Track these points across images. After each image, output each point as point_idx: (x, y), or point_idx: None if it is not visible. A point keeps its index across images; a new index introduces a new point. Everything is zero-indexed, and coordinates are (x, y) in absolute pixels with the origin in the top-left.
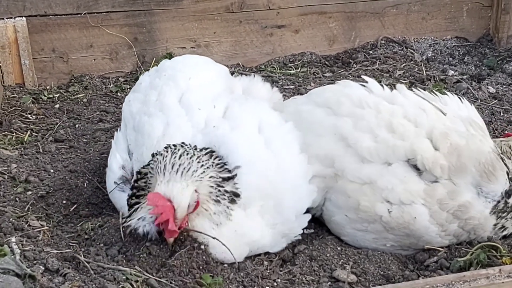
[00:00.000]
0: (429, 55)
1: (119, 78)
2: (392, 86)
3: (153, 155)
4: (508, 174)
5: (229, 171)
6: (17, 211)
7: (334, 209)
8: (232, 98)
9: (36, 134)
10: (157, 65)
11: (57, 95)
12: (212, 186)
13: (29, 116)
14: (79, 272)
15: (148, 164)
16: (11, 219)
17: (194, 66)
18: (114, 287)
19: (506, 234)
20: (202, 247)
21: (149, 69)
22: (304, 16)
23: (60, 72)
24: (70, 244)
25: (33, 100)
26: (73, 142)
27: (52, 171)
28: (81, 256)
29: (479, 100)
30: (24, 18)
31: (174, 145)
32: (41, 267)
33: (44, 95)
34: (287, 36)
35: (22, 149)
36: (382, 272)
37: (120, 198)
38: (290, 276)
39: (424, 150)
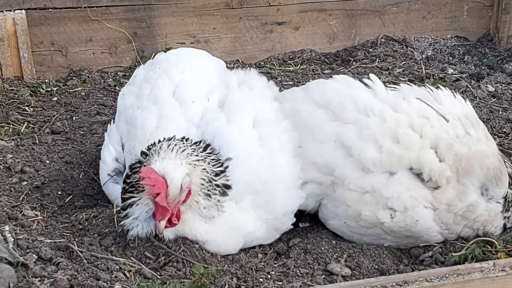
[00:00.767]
0: (429, 54)
1: (118, 73)
2: (395, 85)
3: (148, 148)
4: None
5: (222, 165)
6: (11, 201)
7: (331, 215)
8: (233, 89)
9: (33, 126)
10: None
11: (55, 88)
12: (203, 179)
13: (26, 108)
14: (72, 261)
15: (140, 162)
16: (5, 208)
17: (189, 59)
18: (107, 276)
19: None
20: (197, 245)
21: None
22: (304, 13)
23: (58, 65)
24: (64, 234)
25: (31, 92)
26: (69, 134)
27: (47, 162)
28: (74, 245)
29: (477, 99)
30: (23, 11)
31: (170, 139)
32: (34, 255)
33: (42, 88)
34: (287, 33)
35: (18, 140)
36: (376, 266)
37: (113, 190)
38: (284, 268)
39: (431, 163)
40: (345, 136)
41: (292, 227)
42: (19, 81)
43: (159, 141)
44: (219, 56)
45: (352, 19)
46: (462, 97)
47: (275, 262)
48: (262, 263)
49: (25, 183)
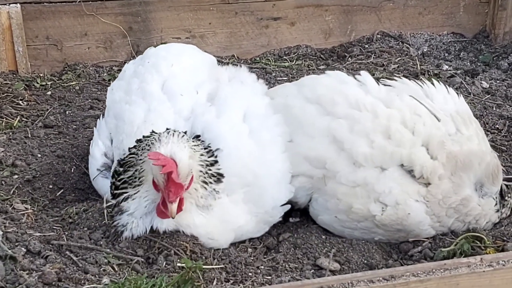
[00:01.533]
0: (425, 50)
1: (113, 67)
2: (389, 80)
3: (137, 141)
4: None
5: (213, 155)
6: (2, 194)
7: (321, 209)
8: (224, 83)
9: (26, 119)
10: None
11: (50, 82)
12: (202, 165)
13: (20, 102)
14: (61, 255)
15: (131, 153)
16: None
17: (178, 54)
18: (95, 269)
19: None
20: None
21: None
22: (300, 8)
23: (53, 60)
24: (54, 227)
25: (26, 86)
26: (62, 128)
27: (39, 156)
28: (64, 239)
29: (472, 95)
30: (18, 5)
31: (167, 129)
32: (23, 249)
33: (37, 82)
34: (282, 28)
35: (10, 133)
36: (365, 261)
37: (103, 184)
38: (273, 263)
39: (423, 160)
40: (337, 131)
41: (281, 219)
42: (14, 75)
43: (151, 134)
44: (214, 51)
45: (348, 14)
46: (456, 92)
47: (265, 256)
48: (252, 258)
49: (16, 176)
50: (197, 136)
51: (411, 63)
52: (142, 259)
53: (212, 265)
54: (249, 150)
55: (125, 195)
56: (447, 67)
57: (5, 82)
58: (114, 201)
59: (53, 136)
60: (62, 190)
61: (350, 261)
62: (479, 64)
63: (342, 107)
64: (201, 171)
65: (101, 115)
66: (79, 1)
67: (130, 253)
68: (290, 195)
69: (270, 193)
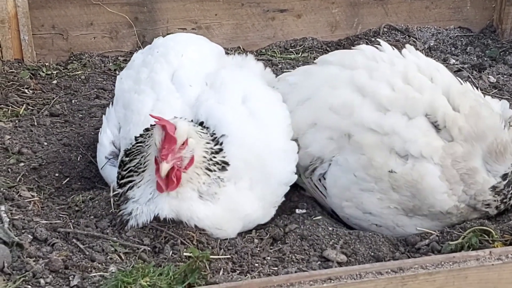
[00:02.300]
0: (431, 44)
1: (119, 57)
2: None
3: (144, 130)
4: None
5: (218, 143)
6: (8, 182)
7: (340, 173)
8: (222, 66)
9: (32, 108)
10: None
11: (55, 71)
12: (206, 152)
13: (26, 90)
14: (68, 242)
15: (138, 142)
16: (1, 189)
17: (187, 44)
18: (102, 257)
19: (489, 212)
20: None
21: None
22: (307, 0)
23: (59, 49)
24: (60, 215)
25: (31, 75)
26: (68, 117)
27: (45, 144)
28: (70, 226)
29: (479, 89)
30: None
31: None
32: (30, 236)
33: (43, 71)
34: (289, 20)
35: (16, 121)
36: (372, 253)
37: (110, 173)
38: (280, 254)
39: (444, 108)
40: (359, 79)
41: (284, 199)
42: (19, 64)
43: None
44: (220, 43)
45: (355, 7)
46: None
47: (271, 247)
48: (258, 248)
49: (22, 164)
50: (201, 123)
51: None
52: (149, 248)
53: (218, 255)
54: (252, 132)
55: (130, 184)
56: (454, 61)
57: (11, 70)
58: (120, 190)
59: (59, 124)
60: (68, 179)
61: (357, 253)
62: (485, 59)
63: (361, 61)
64: (204, 157)
65: (110, 103)
66: None
67: (136, 242)
68: (294, 177)
69: (275, 171)
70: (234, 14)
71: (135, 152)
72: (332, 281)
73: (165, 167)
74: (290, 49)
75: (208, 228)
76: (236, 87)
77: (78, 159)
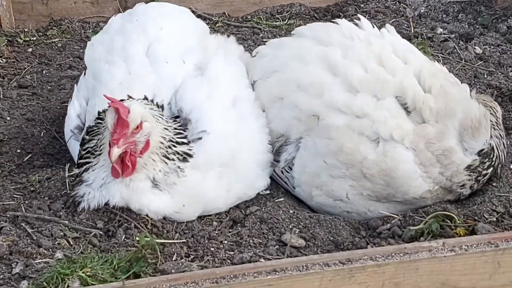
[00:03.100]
0: (422, 11)
1: (100, 24)
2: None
3: (99, 113)
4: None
5: (187, 140)
6: None
7: (310, 158)
8: (212, 55)
9: (1, 79)
10: None
11: (34, 38)
12: (164, 138)
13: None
14: (16, 226)
15: (99, 120)
16: None
17: (169, 16)
18: (49, 243)
19: (463, 193)
20: None
21: None
22: None
23: (39, 14)
24: (15, 195)
25: (8, 42)
26: (36, 89)
27: (8, 118)
28: (22, 209)
29: (463, 61)
30: None
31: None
32: None
33: (20, 38)
34: None
35: None
36: (332, 238)
37: (75, 147)
38: (237, 238)
39: (415, 89)
40: (331, 57)
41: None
42: None
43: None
44: (205, 9)
45: None
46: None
47: (230, 230)
48: (216, 232)
49: None
50: (177, 117)
51: (405, 25)
52: (101, 232)
53: (173, 239)
54: (235, 136)
55: (87, 165)
56: (441, 30)
57: None
58: (77, 171)
59: (26, 97)
60: (30, 155)
61: (316, 238)
62: (477, 26)
63: (336, 38)
64: (162, 143)
65: (84, 72)
66: None
67: (89, 225)
68: (267, 183)
69: (248, 180)
70: None
71: (95, 131)
72: (277, 273)
73: (115, 152)
74: (277, 16)
75: (162, 218)
76: (229, 86)
77: (42, 134)
